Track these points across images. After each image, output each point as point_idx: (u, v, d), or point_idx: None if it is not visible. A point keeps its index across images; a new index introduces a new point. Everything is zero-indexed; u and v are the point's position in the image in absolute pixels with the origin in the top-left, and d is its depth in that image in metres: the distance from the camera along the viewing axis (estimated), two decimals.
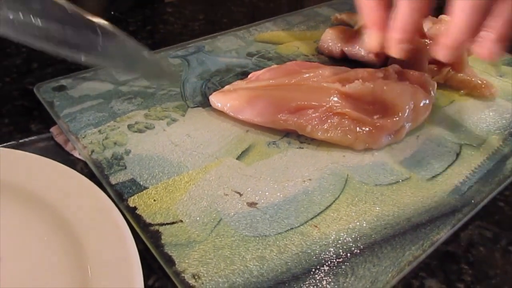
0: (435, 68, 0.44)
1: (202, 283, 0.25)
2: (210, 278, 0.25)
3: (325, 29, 0.50)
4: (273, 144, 0.36)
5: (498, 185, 0.33)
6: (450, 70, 0.44)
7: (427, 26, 0.47)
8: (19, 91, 0.42)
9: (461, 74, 0.43)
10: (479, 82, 0.43)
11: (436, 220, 0.30)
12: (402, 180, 0.33)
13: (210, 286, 0.25)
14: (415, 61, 0.44)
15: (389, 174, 0.33)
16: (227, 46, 0.49)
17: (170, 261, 0.26)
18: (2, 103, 0.40)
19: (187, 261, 0.26)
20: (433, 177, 0.33)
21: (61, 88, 0.41)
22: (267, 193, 0.31)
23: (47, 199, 0.27)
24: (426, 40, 0.46)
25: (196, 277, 0.25)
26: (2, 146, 0.31)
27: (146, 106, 0.39)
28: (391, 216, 0.30)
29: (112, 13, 0.60)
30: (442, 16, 0.48)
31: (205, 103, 0.40)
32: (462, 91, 0.43)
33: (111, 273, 0.23)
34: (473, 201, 0.31)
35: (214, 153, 0.34)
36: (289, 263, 0.26)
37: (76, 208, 0.26)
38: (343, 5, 0.63)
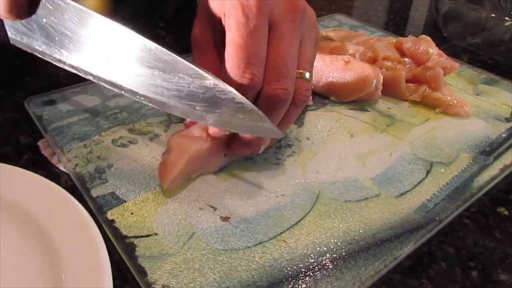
0: (413, 87, 0.46)
1: None
2: None
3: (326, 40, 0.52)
4: (250, 159, 0.37)
5: (464, 203, 0.34)
6: (427, 88, 0.45)
7: (407, 45, 0.48)
8: (11, 103, 0.43)
9: (437, 93, 0.45)
10: (454, 100, 0.44)
11: (400, 236, 0.31)
12: (371, 197, 0.34)
13: None
14: (393, 82, 0.45)
15: (359, 190, 0.35)
16: None
17: (143, 272, 0.27)
18: None
19: (158, 272, 0.27)
20: (402, 194, 0.35)
21: (51, 102, 0.42)
22: (240, 208, 0.32)
23: (26, 210, 0.28)
24: (405, 59, 0.48)
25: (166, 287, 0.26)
26: None
27: (131, 121, 0.41)
28: (357, 231, 0.31)
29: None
30: (422, 36, 0.50)
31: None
32: (438, 109, 0.45)
33: (83, 281, 0.24)
34: (437, 218, 0.32)
35: (195, 176, 0.36)
36: (255, 276, 0.27)
37: (53, 220, 0.28)
38: (331, 22, 0.65)
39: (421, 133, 0.42)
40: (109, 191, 0.33)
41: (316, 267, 0.28)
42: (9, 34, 0.33)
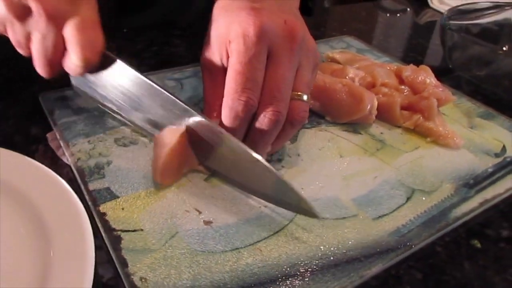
0: (407, 114, 0.48)
1: (147, 286, 0.28)
2: (155, 283, 0.29)
3: (327, 62, 0.54)
4: None
5: (438, 231, 0.36)
6: (421, 117, 0.47)
7: (406, 73, 0.50)
8: (27, 96, 0.46)
9: (430, 123, 0.46)
10: (446, 131, 0.46)
11: (370, 256, 0.33)
12: (349, 217, 0.36)
13: None
14: (388, 108, 0.47)
15: (339, 209, 0.36)
16: None
17: (124, 264, 0.29)
18: (10, 106, 0.45)
19: (138, 265, 0.30)
20: (379, 217, 0.36)
21: (64, 98, 0.46)
22: (223, 214, 0.34)
23: (23, 193, 0.31)
24: (403, 87, 0.50)
25: (143, 280, 0.29)
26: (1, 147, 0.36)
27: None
28: (330, 248, 0.33)
29: (125, 30, 0.65)
30: (422, 66, 0.52)
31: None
32: (429, 139, 0.46)
33: (68, 258, 0.27)
34: (409, 243, 0.34)
35: (187, 172, 0.38)
36: (227, 279, 0.30)
37: (47, 204, 0.31)
38: (339, 43, 0.67)
39: (409, 160, 0.43)
40: (105, 186, 0.35)
41: (285, 277, 0.30)
42: (72, 81, 0.40)
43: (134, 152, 0.40)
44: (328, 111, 0.47)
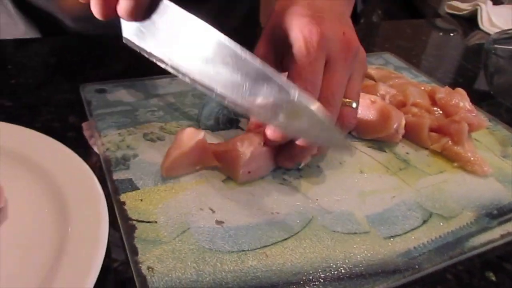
0: (436, 137, 0.47)
1: (153, 275, 0.30)
2: (160, 273, 0.30)
3: None
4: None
5: (451, 258, 0.35)
6: (449, 141, 0.46)
7: (440, 95, 0.49)
8: (69, 86, 0.50)
9: (459, 147, 0.45)
10: (474, 158, 0.44)
11: (376, 275, 0.32)
12: (360, 233, 0.36)
13: (159, 280, 0.30)
14: (416, 129, 0.47)
15: (352, 224, 0.36)
16: None
17: (135, 252, 0.31)
18: (53, 94, 0.48)
19: (147, 255, 0.31)
20: (391, 236, 0.36)
21: (102, 91, 0.48)
22: (235, 216, 0.35)
23: (51, 175, 0.34)
24: (435, 108, 0.49)
25: (150, 269, 0.30)
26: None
27: (164, 120, 0.45)
28: (336, 261, 0.33)
29: None
30: (457, 89, 0.50)
31: (215, 128, 0.45)
32: (456, 164, 0.45)
33: (84, 237, 0.30)
34: (417, 266, 0.33)
35: (206, 172, 0.39)
36: (229, 278, 0.30)
37: (72, 188, 0.33)
38: (378, 59, 0.66)
39: (431, 183, 0.42)
40: (128, 177, 0.37)
41: (286, 284, 0.31)
42: (123, 34, 0.38)
43: (160, 148, 0.41)
44: (355, 126, 0.47)
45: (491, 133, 0.52)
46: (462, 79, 0.67)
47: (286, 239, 0.34)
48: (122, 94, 0.48)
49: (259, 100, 0.32)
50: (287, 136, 0.37)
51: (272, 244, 0.34)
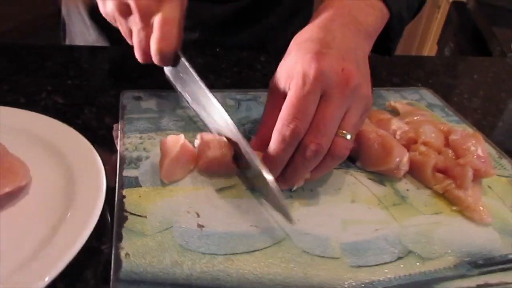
0: (442, 178, 0.46)
1: (128, 261, 0.35)
2: (135, 261, 0.35)
3: (379, 110, 0.55)
4: (251, 190, 0.43)
5: None
6: (452, 183, 0.45)
7: (453, 136, 0.49)
8: (115, 91, 0.57)
9: (461, 191, 0.44)
10: (474, 204, 0.43)
11: None
12: (329, 257, 0.38)
13: (132, 266, 0.34)
14: (420, 167, 0.47)
15: (324, 248, 0.38)
16: None
17: (119, 239, 0.36)
18: (99, 97, 0.56)
19: (129, 243, 0.36)
20: (359, 266, 0.37)
21: (138, 98, 0.55)
22: (217, 223, 0.39)
23: (63, 153, 0.42)
24: (448, 149, 0.49)
25: (127, 255, 0.35)
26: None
27: (184, 130, 0.51)
28: (295, 280, 0.35)
29: (217, 49, 0.74)
30: (474, 133, 0.50)
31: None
32: (455, 207, 0.44)
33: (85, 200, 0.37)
34: None
35: (204, 180, 0.44)
36: (194, 276, 0.34)
37: (80, 162, 0.41)
38: (412, 94, 0.66)
39: (422, 223, 0.42)
40: (135, 175, 0.43)
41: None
42: (165, 70, 0.51)
43: None
44: (359, 157, 0.49)
45: (510, 183, 0.50)
46: (502, 123, 0.64)
47: (254, 251, 0.37)
48: (154, 103, 0.55)
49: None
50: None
51: (241, 253, 0.37)
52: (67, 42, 0.83)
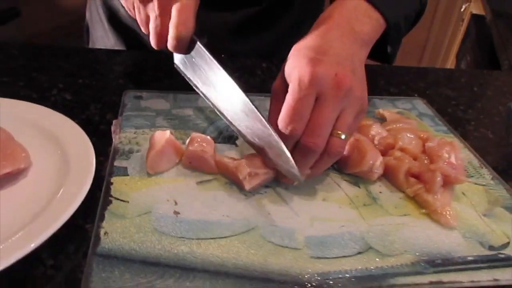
0: (414, 182, 0.48)
1: (106, 239, 0.39)
2: (113, 239, 0.39)
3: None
4: (229, 184, 0.47)
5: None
6: (423, 188, 0.47)
7: (430, 144, 0.51)
8: (121, 91, 0.62)
9: (430, 195, 0.46)
10: (441, 208, 0.45)
11: (283, 282, 0.37)
12: (292, 248, 0.40)
13: (109, 243, 0.38)
14: (393, 172, 0.49)
15: (287, 239, 0.41)
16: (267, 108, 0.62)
17: (101, 219, 0.40)
18: (105, 96, 0.61)
19: (109, 223, 0.40)
20: (319, 257, 0.40)
21: (139, 97, 0.60)
22: (191, 211, 0.43)
23: (60, 138, 0.48)
24: (424, 156, 0.51)
25: (106, 234, 0.39)
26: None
27: (176, 127, 0.55)
28: (253, 264, 0.38)
29: (222, 56, 0.78)
30: (452, 141, 0.51)
31: (216, 139, 0.53)
32: (423, 210, 0.46)
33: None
34: (325, 286, 0.37)
35: (187, 173, 0.48)
36: (162, 255, 0.38)
37: (75, 147, 0.46)
38: (404, 104, 0.68)
39: (388, 223, 0.45)
40: (124, 165, 0.47)
41: (203, 270, 0.37)
42: (174, 60, 0.54)
43: None
44: (338, 160, 0.51)
45: (487, 191, 0.51)
46: (492, 134, 0.65)
47: (222, 237, 0.41)
48: (152, 102, 0.59)
49: (254, 135, 0.47)
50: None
51: (209, 239, 0.40)
52: (90, 46, 0.90)
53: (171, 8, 0.47)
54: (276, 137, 0.43)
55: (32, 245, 0.35)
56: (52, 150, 0.46)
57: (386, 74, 0.80)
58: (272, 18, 0.82)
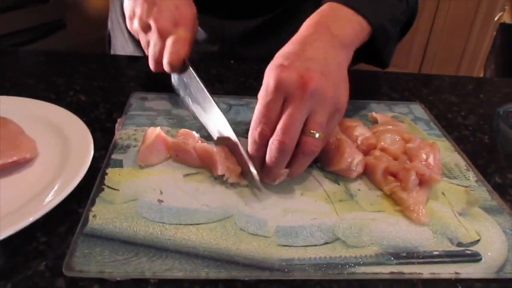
0: (392, 181, 0.50)
1: (94, 221, 0.43)
2: (100, 221, 0.43)
3: (353, 119, 0.60)
4: (214, 178, 0.51)
5: (325, 276, 0.40)
6: (399, 186, 0.49)
7: (410, 144, 0.52)
8: (127, 92, 0.68)
9: (404, 193, 0.48)
10: (414, 206, 0.47)
11: (249, 266, 0.40)
12: (261, 235, 0.43)
13: (96, 224, 0.43)
14: (371, 170, 0.51)
15: (258, 228, 0.44)
16: None
17: (92, 204, 0.45)
18: (115, 97, 0.67)
19: (99, 208, 0.45)
20: (285, 245, 0.42)
21: (144, 98, 0.65)
22: (174, 199, 0.47)
23: (64, 130, 0.53)
24: (404, 156, 0.52)
25: (94, 216, 0.44)
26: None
27: (173, 126, 0.59)
28: (227, 249, 0.41)
29: (232, 61, 0.83)
30: (433, 143, 0.52)
31: (208, 138, 0.57)
32: (397, 207, 0.48)
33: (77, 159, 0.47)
34: (287, 270, 0.40)
35: (176, 166, 0.52)
36: (139, 236, 0.42)
37: (77, 136, 0.52)
38: (401, 108, 0.69)
39: (360, 218, 0.47)
40: (120, 158, 0.52)
41: (177, 252, 0.41)
42: (172, 81, 0.64)
43: None
44: (320, 158, 0.54)
45: (468, 192, 0.52)
46: (489, 140, 0.65)
47: (199, 224, 0.44)
48: (156, 104, 0.64)
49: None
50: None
51: (186, 224, 0.44)
52: (112, 53, 0.97)
53: (168, 37, 0.57)
54: (243, 151, 0.49)
55: (31, 219, 0.41)
56: (59, 143, 0.52)
57: (389, 80, 0.81)
58: (281, 23, 0.85)
